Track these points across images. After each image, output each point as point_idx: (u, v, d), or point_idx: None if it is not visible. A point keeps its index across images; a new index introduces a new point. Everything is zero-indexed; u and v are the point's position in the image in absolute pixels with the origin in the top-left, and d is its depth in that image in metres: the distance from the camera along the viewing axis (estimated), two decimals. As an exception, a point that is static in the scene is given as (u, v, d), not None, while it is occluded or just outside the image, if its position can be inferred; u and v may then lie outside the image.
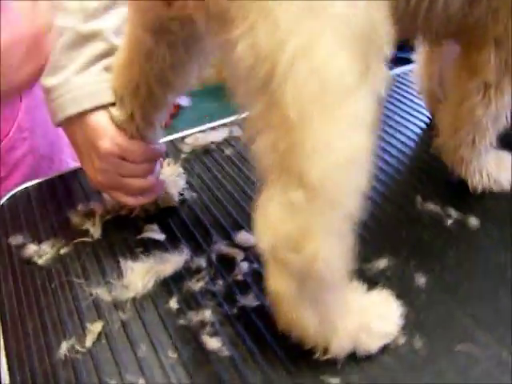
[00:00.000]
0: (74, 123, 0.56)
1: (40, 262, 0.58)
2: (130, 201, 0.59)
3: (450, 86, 0.62)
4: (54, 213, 0.65)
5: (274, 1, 0.35)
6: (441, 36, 0.58)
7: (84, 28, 0.54)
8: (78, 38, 0.54)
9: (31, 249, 0.59)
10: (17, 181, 0.72)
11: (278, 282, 0.42)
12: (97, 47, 0.55)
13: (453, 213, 0.61)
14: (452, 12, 0.51)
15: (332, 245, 0.41)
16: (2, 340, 0.50)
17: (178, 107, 2.23)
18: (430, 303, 0.51)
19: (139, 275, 0.53)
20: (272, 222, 0.40)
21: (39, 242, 0.60)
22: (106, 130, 0.55)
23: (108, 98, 0.55)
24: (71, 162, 0.82)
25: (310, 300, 0.43)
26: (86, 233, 0.61)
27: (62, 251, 0.59)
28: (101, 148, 0.55)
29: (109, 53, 0.55)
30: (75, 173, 0.72)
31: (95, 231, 0.61)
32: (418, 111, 0.80)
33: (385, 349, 0.47)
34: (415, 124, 0.78)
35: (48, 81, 0.55)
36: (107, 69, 0.56)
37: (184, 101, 2.25)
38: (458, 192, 0.64)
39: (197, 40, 0.51)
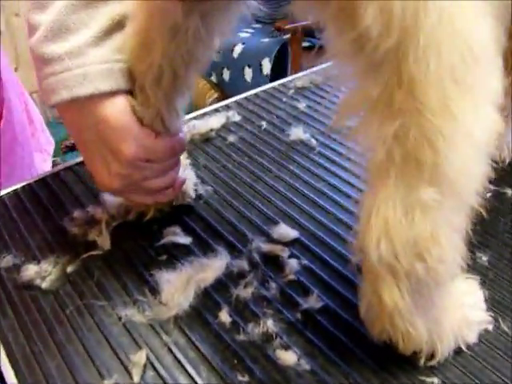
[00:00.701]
0: (82, 108, 0.44)
1: (44, 285, 0.48)
2: (149, 200, 0.50)
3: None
4: (45, 224, 0.55)
5: None
6: None
7: None
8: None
9: (30, 270, 0.48)
10: None
11: (393, 296, 0.36)
12: (113, 10, 0.44)
13: (489, 186, 0.58)
14: None
15: (454, 243, 0.36)
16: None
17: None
18: (499, 281, 0.48)
19: (178, 288, 0.45)
20: (395, 227, 0.34)
21: (37, 260, 0.50)
22: (129, 129, 0.45)
23: (125, 82, 0.45)
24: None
25: (423, 307, 0.37)
26: (93, 244, 0.51)
27: (69, 269, 0.49)
28: (124, 153, 0.45)
29: (125, 21, 0.44)
30: (57, 174, 0.62)
31: (103, 242, 0.51)
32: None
33: (481, 338, 0.42)
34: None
35: (50, 47, 0.43)
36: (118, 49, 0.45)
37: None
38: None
39: (232, 3, 0.43)
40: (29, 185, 0.60)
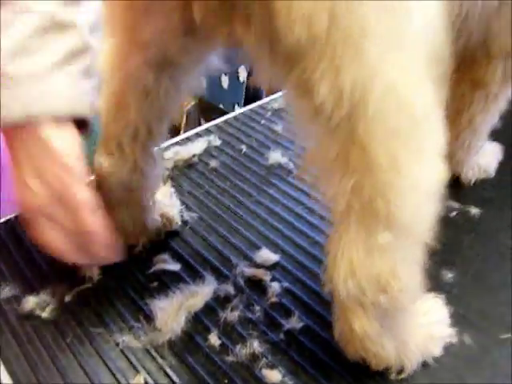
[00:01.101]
0: (30, 130, 0.44)
1: (44, 315, 0.51)
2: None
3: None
4: (39, 254, 0.58)
5: (363, 38, 0.32)
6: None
7: (61, 14, 0.45)
8: (54, 24, 0.45)
9: (30, 301, 0.51)
10: None
11: (362, 324, 0.41)
12: (72, 41, 0.45)
13: (454, 205, 0.63)
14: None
15: (412, 275, 0.41)
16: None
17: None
18: (464, 296, 0.52)
19: (170, 314, 0.49)
20: (360, 270, 0.39)
21: (36, 291, 0.53)
22: (67, 153, 0.45)
23: (86, 110, 0.46)
24: None
25: (389, 329, 0.42)
26: (84, 277, 0.55)
27: (67, 299, 0.52)
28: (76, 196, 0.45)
29: (84, 52, 0.46)
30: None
31: (94, 272, 0.55)
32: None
33: (445, 350, 0.47)
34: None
35: (12, 65, 0.44)
36: (85, 73, 0.46)
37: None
38: (453, 185, 0.66)
39: (200, 64, 0.47)
40: (8, 220, 0.63)
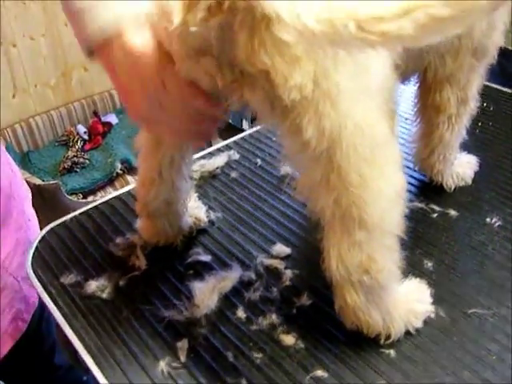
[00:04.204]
0: (112, 43, 0.49)
1: (104, 295, 0.64)
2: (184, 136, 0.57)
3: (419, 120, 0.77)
4: (94, 249, 0.70)
5: (337, 94, 0.45)
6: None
7: None
8: None
9: (92, 285, 0.64)
10: None
11: (353, 298, 0.54)
12: None
13: (436, 208, 0.76)
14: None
15: (389, 259, 0.54)
16: (98, 371, 0.56)
17: (109, 125, 2.24)
18: (441, 281, 0.65)
19: (206, 294, 0.61)
20: (346, 259, 0.52)
21: (95, 278, 0.66)
22: (149, 48, 0.49)
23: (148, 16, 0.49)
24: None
25: (375, 303, 0.55)
26: (134, 265, 0.67)
27: (121, 283, 0.65)
28: (147, 69, 0.49)
29: None
30: (96, 207, 0.78)
31: (141, 263, 0.67)
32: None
33: (424, 322, 0.59)
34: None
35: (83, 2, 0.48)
36: None
37: (113, 119, 2.26)
38: (436, 191, 0.79)
39: None
40: (75, 217, 0.76)
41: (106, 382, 0.54)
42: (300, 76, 0.43)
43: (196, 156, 0.86)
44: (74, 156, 2.07)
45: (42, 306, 0.86)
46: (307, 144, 0.47)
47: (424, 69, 0.68)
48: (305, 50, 0.42)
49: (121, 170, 2.01)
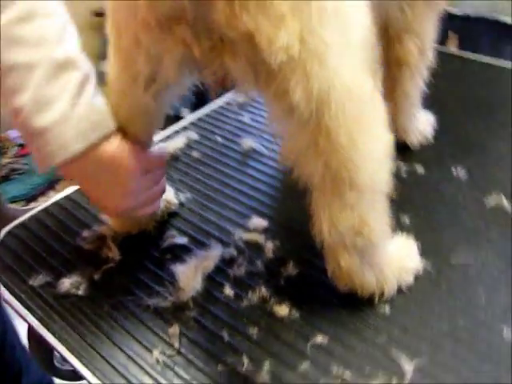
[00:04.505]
0: (83, 158, 0.51)
1: (80, 292, 0.59)
2: (150, 210, 0.62)
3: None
4: (60, 246, 0.66)
5: (324, 52, 0.43)
6: None
7: (58, 55, 0.49)
8: (57, 67, 0.48)
9: (66, 282, 0.60)
10: None
11: (347, 261, 0.53)
12: (77, 75, 0.50)
13: (403, 165, 0.76)
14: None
15: (379, 218, 0.53)
16: (89, 372, 0.52)
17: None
18: (420, 235, 0.65)
19: (189, 276, 0.59)
20: (338, 222, 0.51)
21: (66, 275, 0.61)
22: (125, 155, 0.55)
23: (111, 122, 0.53)
24: None
25: (368, 263, 0.54)
26: (107, 256, 0.63)
27: (96, 277, 0.61)
28: (131, 169, 0.55)
29: (88, 79, 0.51)
30: (57, 203, 0.73)
31: (114, 254, 0.63)
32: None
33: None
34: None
35: (39, 120, 0.48)
36: (94, 95, 0.52)
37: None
38: (400, 149, 0.79)
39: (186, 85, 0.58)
40: (33, 216, 0.71)
41: (98, 382, 0.51)
42: (286, 35, 0.41)
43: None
44: (10, 163, 1.95)
45: (3, 331, 0.81)
46: (295, 108, 0.45)
47: (384, 22, 0.68)
48: (290, 6, 0.40)
49: (62, 172, 1.92)
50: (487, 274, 0.60)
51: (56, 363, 0.77)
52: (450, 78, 0.96)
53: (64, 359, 0.54)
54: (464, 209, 0.69)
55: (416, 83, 0.74)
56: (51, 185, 1.92)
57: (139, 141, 0.58)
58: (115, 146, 0.54)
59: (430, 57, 0.73)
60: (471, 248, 0.63)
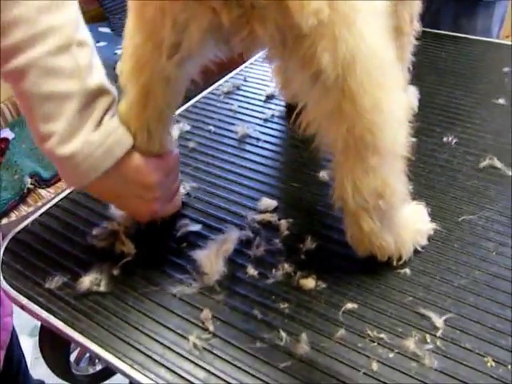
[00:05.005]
0: (110, 175, 0.54)
1: (101, 288, 0.59)
2: (171, 207, 0.65)
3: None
4: (71, 247, 0.65)
5: (353, 15, 0.45)
6: None
7: (90, 86, 0.51)
8: (90, 96, 0.51)
9: (86, 281, 0.59)
10: None
11: (369, 225, 0.54)
12: (105, 101, 0.53)
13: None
14: None
15: (399, 181, 0.55)
16: (130, 368, 0.51)
17: (6, 142, 2.06)
18: (424, 199, 0.67)
19: (212, 260, 0.59)
20: (361, 186, 0.52)
21: (85, 274, 0.60)
22: (147, 164, 0.57)
23: (130, 135, 0.56)
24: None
25: (388, 227, 0.56)
26: (122, 252, 0.63)
27: (115, 273, 0.60)
28: (153, 181, 0.58)
29: (114, 101, 0.55)
30: (57, 205, 0.71)
31: (129, 248, 0.63)
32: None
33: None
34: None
35: (65, 149, 0.51)
36: (113, 114, 0.55)
37: (8, 134, 2.09)
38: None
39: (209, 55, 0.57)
40: (36, 220, 0.69)
41: (141, 377, 0.50)
42: (316, 2, 0.41)
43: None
44: (-25, 180, 1.88)
45: (7, 348, 0.79)
46: (320, 73, 0.45)
47: None
48: None
49: (31, 184, 1.86)
50: (493, 229, 0.63)
51: (72, 370, 0.76)
52: (423, 53, 1.00)
53: (97, 357, 0.53)
54: (460, 171, 0.72)
55: (408, 53, 0.77)
56: (22, 198, 1.86)
57: (161, 117, 0.58)
58: (137, 158, 0.57)
59: (416, 25, 0.76)
60: (474, 206, 0.66)
